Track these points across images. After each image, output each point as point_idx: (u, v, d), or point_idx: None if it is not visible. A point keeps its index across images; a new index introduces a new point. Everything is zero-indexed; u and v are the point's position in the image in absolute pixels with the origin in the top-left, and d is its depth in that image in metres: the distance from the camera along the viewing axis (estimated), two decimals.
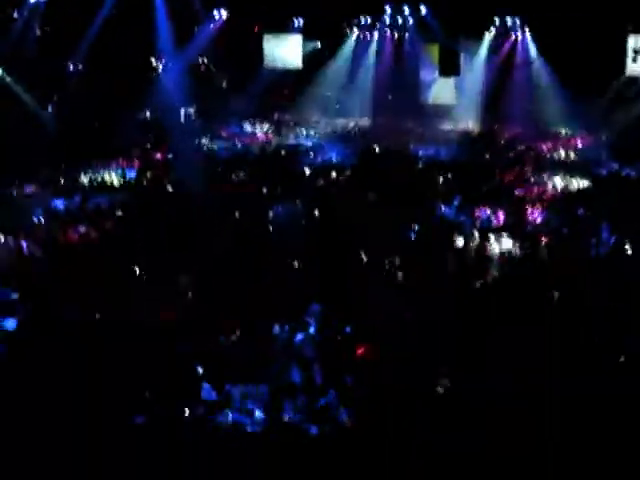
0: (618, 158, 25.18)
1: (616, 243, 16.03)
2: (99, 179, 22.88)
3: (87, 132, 25.72)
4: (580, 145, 28.34)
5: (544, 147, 28.48)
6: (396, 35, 33.25)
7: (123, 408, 9.35)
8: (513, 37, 31.75)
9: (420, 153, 27.30)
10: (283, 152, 27.63)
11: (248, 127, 32.32)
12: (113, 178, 23.06)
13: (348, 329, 11.57)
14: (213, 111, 31.66)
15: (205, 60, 32.88)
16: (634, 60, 27.06)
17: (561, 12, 26.19)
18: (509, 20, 30.82)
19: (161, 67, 31.55)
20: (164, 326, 11.54)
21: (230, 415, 9.48)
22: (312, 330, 11.59)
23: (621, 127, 27.00)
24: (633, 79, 28.53)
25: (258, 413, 9.54)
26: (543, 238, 16.80)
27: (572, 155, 27.32)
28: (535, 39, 31.27)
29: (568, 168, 24.60)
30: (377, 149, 27.50)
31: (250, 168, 24.26)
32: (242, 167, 24.39)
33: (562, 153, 27.64)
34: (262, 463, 8.42)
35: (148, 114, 30.53)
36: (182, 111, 31.29)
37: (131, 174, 23.57)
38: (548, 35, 29.41)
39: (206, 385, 9.96)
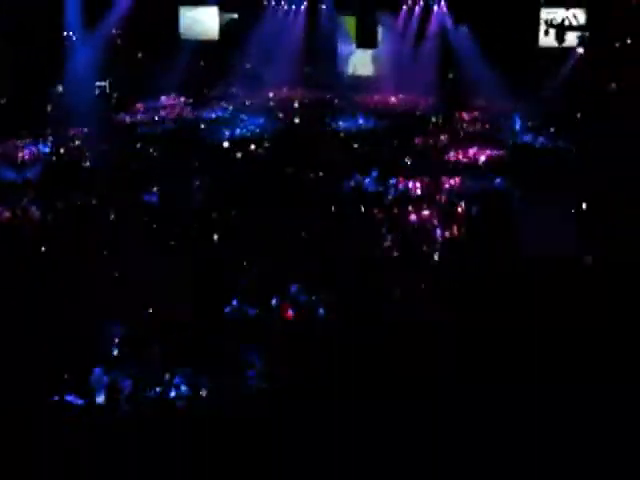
0: (532, 129, 25.79)
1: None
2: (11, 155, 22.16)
3: None
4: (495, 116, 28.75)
5: (464, 116, 28.82)
6: (313, 7, 33.04)
7: None
8: (430, 8, 31.95)
9: (340, 125, 27.34)
10: (202, 125, 27.29)
11: (164, 100, 31.64)
12: (25, 154, 22.36)
13: None
14: (128, 84, 30.93)
15: (119, 32, 31.97)
16: (546, 33, 27.61)
17: None
18: None
19: (75, 40, 30.59)
20: None
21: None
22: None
23: (533, 98, 27.59)
24: (545, 51, 29.18)
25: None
26: (459, 208, 17.15)
27: (487, 126, 27.71)
28: (451, 10, 31.56)
29: (484, 138, 24.98)
30: (296, 120, 27.45)
31: (166, 142, 23.89)
32: (158, 141, 23.98)
33: (478, 124, 28.01)
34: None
35: (61, 88, 29.57)
36: (96, 84, 30.54)
37: (45, 149, 22.91)
38: (464, 7, 29.86)
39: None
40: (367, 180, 19.47)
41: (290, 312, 11.32)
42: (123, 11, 30.41)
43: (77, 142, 24.23)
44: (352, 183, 19.21)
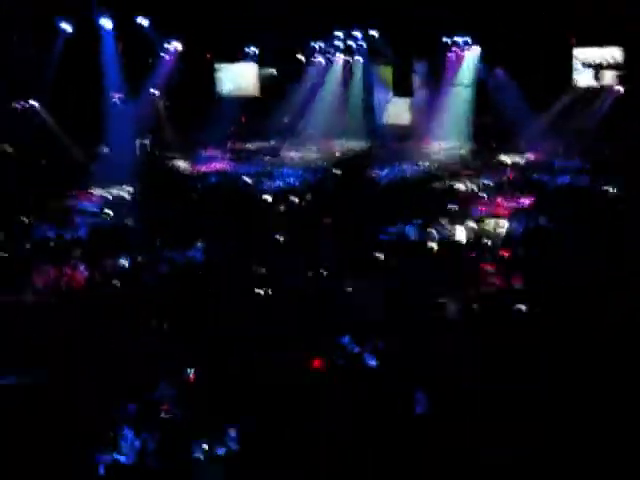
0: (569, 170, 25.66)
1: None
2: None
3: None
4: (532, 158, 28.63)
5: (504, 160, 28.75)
6: (350, 59, 33.60)
7: None
8: (463, 55, 32.23)
9: (381, 173, 27.45)
10: (245, 179, 27.61)
11: (205, 154, 32.12)
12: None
13: None
14: (169, 141, 31.64)
15: (158, 92, 32.85)
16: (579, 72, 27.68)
17: (509, 29, 26.81)
18: (459, 39, 31.36)
19: (118, 101, 31.51)
20: None
21: None
22: None
23: (569, 139, 27.50)
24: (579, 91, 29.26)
25: None
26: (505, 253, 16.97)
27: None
28: (485, 57, 31.81)
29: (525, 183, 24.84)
30: (337, 171, 27.64)
31: (209, 196, 24.22)
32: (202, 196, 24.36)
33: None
34: None
35: (106, 149, 30.34)
36: (137, 143, 31.26)
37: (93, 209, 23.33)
38: (497, 52, 30.11)
39: None
40: (408, 227, 19.38)
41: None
42: (164, 71, 31.33)
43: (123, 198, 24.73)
44: (394, 230, 19.13)
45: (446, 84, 32.37)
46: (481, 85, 31.72)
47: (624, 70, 24.68)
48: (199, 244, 17.95)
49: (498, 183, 24.46)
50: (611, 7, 22.87)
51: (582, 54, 27.84)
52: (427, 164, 28.34)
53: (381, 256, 16.57)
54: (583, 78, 28.03)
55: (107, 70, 28.30)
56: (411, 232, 18.92)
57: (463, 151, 30.58)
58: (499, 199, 22.37)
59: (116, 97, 30.27)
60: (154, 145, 32.01)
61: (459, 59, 32.20)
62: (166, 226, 19.68)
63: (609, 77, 26.16)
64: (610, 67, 25.47)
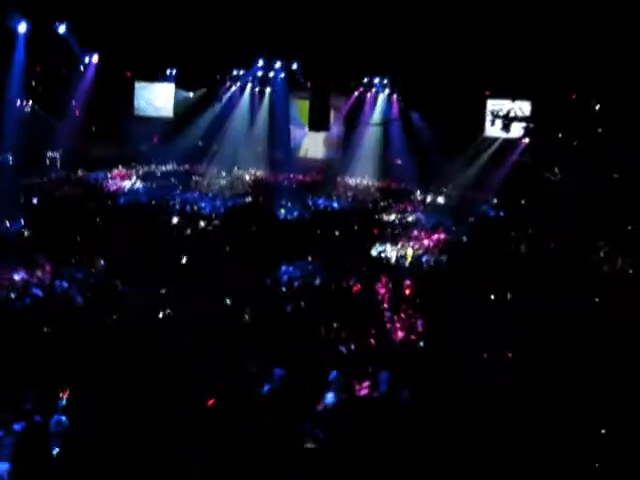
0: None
1: None
2: None
3: None
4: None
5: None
6: (267, 89, 33.75)
7: None
8: (380, 94, 32.94)
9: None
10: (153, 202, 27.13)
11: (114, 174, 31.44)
12: None
13: None
14: (79, 157, 30.85)
15: (74, 103, 32.09)
16: (492, 123, 28.57)
17: (426, 75, 27.51)
18: (377, 79, 32.03)
19: (28, 108, 30.63)
20: None
21: None
22: None
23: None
24: (489, 140, 30.32)
25: None
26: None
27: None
28: (402, 99, 32.57)
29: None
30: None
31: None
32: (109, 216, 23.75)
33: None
34: None
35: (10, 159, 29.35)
36: (48, 155, 30.43)
37: None
38: (413, 96, 30.89)
39: None
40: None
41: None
42: (83, 85, 30.69)
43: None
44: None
45: (361, 122, 32.93)
46: (395, 126, 32.39)
47: (532, 123, 25.61)
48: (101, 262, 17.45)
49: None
50: (523, 63, 23.79)
51: (494, 106, 28.81)
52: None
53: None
54: (494, 129, 28.97)
55: (16, 76, 27.40)
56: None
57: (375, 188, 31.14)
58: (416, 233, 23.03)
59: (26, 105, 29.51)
60: (64, 160, 31.17)
61: (375, 99, 32.88)
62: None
63: (517, 129, 27.06)
64: (518, 119, 26.35)
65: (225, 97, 34.47)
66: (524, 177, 25.94)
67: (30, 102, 30.29)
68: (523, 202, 25.57)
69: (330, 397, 9.59)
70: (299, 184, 31.33)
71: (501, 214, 26.48)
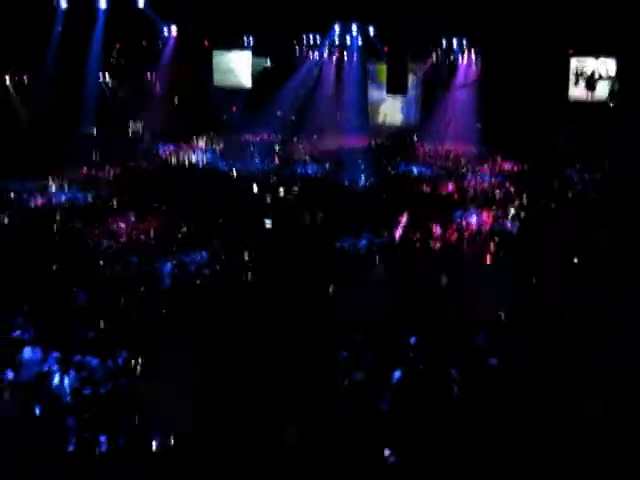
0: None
1: None
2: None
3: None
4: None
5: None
6: (345, 54, 33.50)
7: None
8: (459, 58, 32.31)
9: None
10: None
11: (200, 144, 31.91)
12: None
13: None
14: (162, 128, 31.44)
15: (154, 77, 32.68)
16: (576, 84, 27.67)
17: (505, 35, 26.82)
18: (455, 42, 31.41)
19: (110, 83, 31.37)
20: None
21: None
22: None
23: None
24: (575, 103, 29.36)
25: None
26: None
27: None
28: (481, 60, 31.86)
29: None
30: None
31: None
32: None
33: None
34: None
35: (95, 130, 30.16)
36: (130, 127, 31.13)
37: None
38: (495, 57, 30.15)
39: None
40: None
41: None
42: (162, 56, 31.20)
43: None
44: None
45: (444, 85, 32.39)
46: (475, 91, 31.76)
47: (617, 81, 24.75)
48: None
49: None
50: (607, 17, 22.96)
51: (578, 64, 27.86)
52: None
53: None
54: (578, 89, 28.06)
55: (95, 50, 28.02)
56: None
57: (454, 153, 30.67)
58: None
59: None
60: (146, 130, 31.84)
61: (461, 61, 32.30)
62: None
63: (602, 89, 26.21)
64: (604, 79, 25.51)
65: (303, 64, 34.39)
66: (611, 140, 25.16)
67: (109, 76, 30.99)
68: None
69: None
70: (379, 149, 31.21)
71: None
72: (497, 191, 23.78)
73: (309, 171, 27.31)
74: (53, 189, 22.85)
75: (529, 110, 28.43)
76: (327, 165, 27.84)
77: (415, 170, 27.43)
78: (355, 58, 32.54)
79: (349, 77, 33.06)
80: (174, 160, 28.62)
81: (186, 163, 28.29)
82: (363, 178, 25.57)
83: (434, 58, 32.45)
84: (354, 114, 32.66)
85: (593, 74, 25.92)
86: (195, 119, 31.90)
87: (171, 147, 30.11)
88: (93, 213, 20.25)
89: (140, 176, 25.49)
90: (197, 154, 29.76)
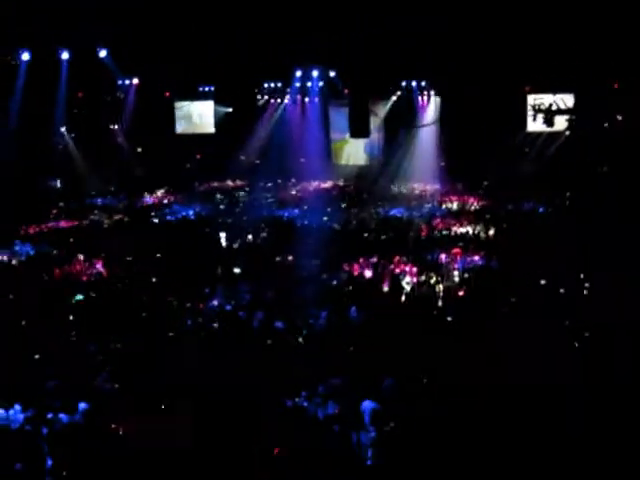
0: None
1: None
2: None
3: None
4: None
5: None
6: (306, 99, 33.81)
7: None
8: (419, 99, 32.84)
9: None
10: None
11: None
12: None
13: None
14: (125, 178, 31.39)
15: (117, 128, 32.71)
16: (534, 118, 28.20)
17: (464, 76, 27.31)
18: (414, 83, 31.95)
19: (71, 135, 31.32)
20: None
21: None
22: None
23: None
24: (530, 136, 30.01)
25: None
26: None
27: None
28: (440, 101, 32.43)
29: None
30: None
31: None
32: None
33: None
34: None
35: (58, 183, 30.02)
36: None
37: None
38: (452, 97, 30.73)
39: None
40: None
41: None
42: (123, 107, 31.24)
43: None
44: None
45: (406, 125, 32.81)
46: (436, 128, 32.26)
47: (575, 115, 25.24)
48: None
49: None
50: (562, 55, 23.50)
51: (535, 100, 28.43)
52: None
53: None
54: (536, 124, 28.62)
55: (59, 102, 27.96)
56: None
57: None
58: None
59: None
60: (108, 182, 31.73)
61: (421, 101, 32.79)
62: None
63: (560, 122, 26.72)
64: (560, 112, 26.00)
65: (265, 109, 34.65)
66: (570, 171, 25.64)
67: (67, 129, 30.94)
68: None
69: None
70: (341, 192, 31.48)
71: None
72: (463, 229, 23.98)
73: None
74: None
75: (488, 147, 29.04)
76: (296, 210, 27.92)
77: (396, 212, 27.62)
78: (317, 101, 32.81)
79: (311, 120, 33.30)
80: (139, 211, 28.49)
81: (151, 214, 28.15)
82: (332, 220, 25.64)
83: (395, 99, 32.96)
84: (318, 157, 32.84)
85: (550, 108, 26.36)
86: (158, 168, 31.92)
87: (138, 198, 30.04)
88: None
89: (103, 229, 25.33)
90: (161, 204, 29.71)
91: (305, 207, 28.16)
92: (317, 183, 32.72)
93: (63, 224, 25.73)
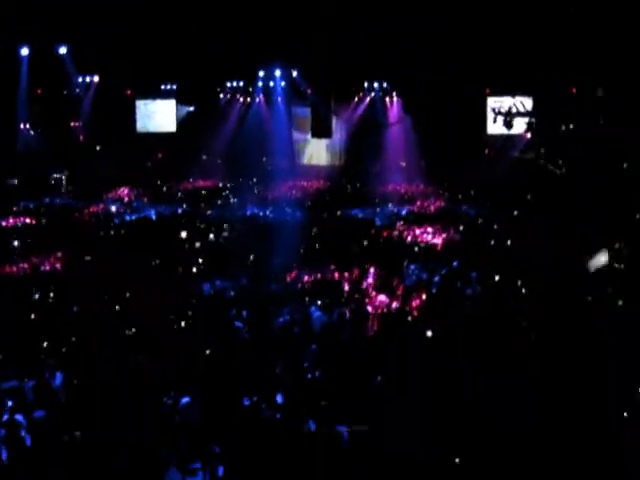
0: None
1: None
2: None
3: None
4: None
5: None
6: (269, 98, 33.80)
7: None
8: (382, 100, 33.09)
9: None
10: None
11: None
12: None
13: None
14: (85, 177, 30.97)
15: (77, 125, 32.34)
16: (494, 121, 28.51)
17: (425, 77, 27.60)
18: (376, 84, 32.18)
19: (32, 132, 30.88)
20: None
21: None
22: None
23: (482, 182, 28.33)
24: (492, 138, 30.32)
25: None
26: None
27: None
28: (402, 102, 32.70)
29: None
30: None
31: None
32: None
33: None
34: None
35: (16, 181, 29.56)
36: (52, 176, 30.60)
37: None
38: (414, 98, 30.99)
39: None
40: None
41: None
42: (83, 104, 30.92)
43: None
44: None
45: (362, 127, 32.97)
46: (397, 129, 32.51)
47: (534, 117, 25.54)
48: None
49: None
50: (521, 58, 23.86)
51: (495, 103, 28.74)
52: None
53: None
54: (496, 126, 28.92)
55: (19, 99, 27.65)
56: None
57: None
58: None
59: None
60: (69, 180, 31.30)
61: (381, 103, 33.00)
62: None
63: (519, 125, 27.04)
64: (520, 115, 26.31)
65: (227, 109, 34.55)
66: (527, 173, 25.94)
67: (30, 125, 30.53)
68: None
69: None
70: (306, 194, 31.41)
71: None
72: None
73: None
74: None
75: (449, 150, 29.31)
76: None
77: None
78: (279, 101, 32.81)
79: (274, 120, 33.30)
80: (99, 210, 28.11)
81: (111, 213, 27.83)
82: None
83: (358, 100, 33.13)
84: (281, 157, 32.85)
85: (510, 111, 26.67)
86: (118, 167, 31.59)
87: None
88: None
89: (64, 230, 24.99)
90: (120, 203, 29.38)
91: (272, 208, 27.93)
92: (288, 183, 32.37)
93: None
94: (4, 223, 24.69)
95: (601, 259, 16.77)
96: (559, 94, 23.23)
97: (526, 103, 26.43)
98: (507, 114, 26.43)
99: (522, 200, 25.38)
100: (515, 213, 24.61)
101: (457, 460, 8.95)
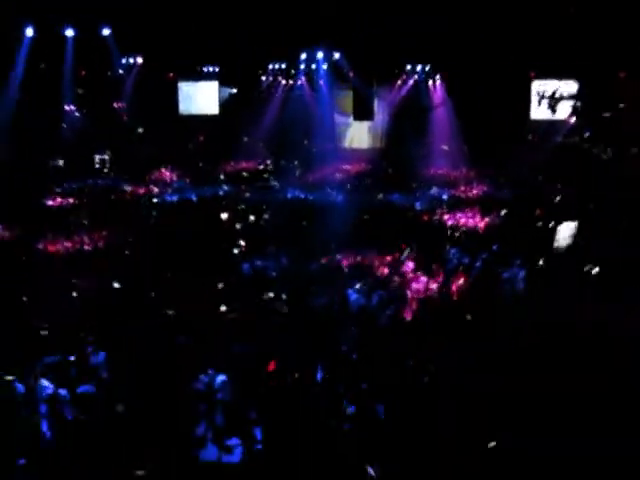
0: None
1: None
2: None
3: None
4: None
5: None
6: (312, 81, 33.67)
7: None
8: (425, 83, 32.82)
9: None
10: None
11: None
12: None
13: None
14: (128, 158, 31.26)
15: (120, 107, 32.62)
16: (539, 104, 28.09)
17: (469, 60, 27.26)
18: (419, 67, 31.91)
19: (77, 113, 31.22)
20: None
21: None
22: None
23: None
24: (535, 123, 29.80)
25: None
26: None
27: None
28: (445, 85, 32.38)
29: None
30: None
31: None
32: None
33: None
34: None
35: (61, 162, 29.95)
36: (96, 158, 30.96)
37: None
38: (457, 82, 30.64)
39: None
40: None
41: None
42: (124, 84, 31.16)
43: None
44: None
45: (405, 110, 32.70)
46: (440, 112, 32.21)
47: (579, 101, 25.10)
48: None
49: None
50: (568, 40, 23.42)
51: (539, 87, 28.30)
52: None
53: None
54: (540, 110, 28.48)
55: (65, 80, 27.95)
56: None
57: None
58: None
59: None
60: (113, 161, 31.66)
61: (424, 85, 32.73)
62: None
63: (564, 110, 26.60)
64: (565, 99, 25.89)
65: (269, 92, 34.55)
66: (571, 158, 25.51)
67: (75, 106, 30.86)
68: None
69: None
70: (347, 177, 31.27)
71: None
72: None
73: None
74: None
75: (493, 134, 28.90)
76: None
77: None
78: (322, 84, 32.69)
79: (316, 103, 33.20)
80: (142, 192, 28.37)
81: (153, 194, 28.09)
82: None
83: (400, 82, 32.88)
84: (323, 140, 32.78)
85: (554, 95, 26.29)
86: (160, 149, 31.82)
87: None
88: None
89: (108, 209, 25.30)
90: (164, 184, 29.60)
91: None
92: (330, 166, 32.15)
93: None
94: (51, 202, 25.13)
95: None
96: (605, 77, 22.84)
97: (571, 87, 26.01)
98: (552, 97, 26.07)
99: (566, 184, 24.97)
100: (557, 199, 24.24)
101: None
